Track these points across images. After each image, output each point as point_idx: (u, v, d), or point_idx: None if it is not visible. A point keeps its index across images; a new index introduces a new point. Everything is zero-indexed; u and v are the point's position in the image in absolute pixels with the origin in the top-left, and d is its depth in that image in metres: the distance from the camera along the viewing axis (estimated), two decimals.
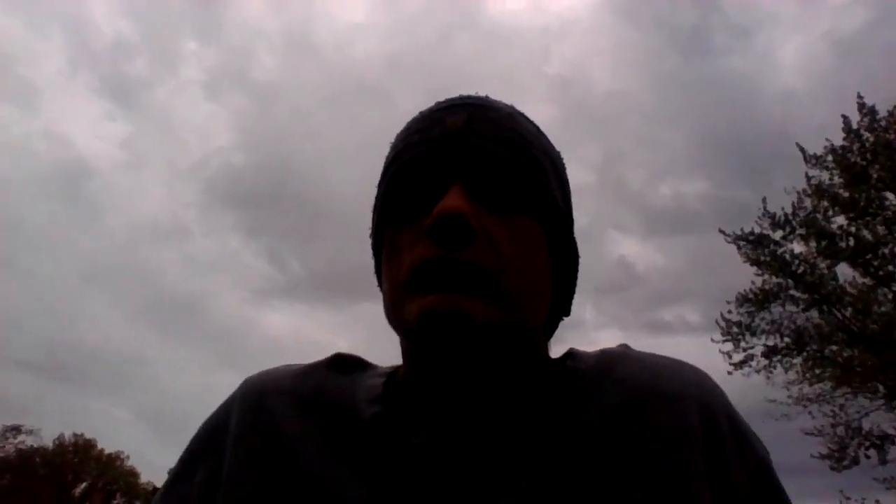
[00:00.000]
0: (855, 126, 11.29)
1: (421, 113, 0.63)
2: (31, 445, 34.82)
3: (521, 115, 0.63)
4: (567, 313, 0.66)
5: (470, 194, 0.54)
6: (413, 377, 0.60)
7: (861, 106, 11.28)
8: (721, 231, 12.73)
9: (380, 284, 0.63)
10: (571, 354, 0.63)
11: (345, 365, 0.66)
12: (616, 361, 0.60)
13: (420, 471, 0.54)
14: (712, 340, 12.63)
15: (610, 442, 0.53)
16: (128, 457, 39.39)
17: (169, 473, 0.66)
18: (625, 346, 0.65)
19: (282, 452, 0.58)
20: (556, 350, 0.66)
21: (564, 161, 0.65)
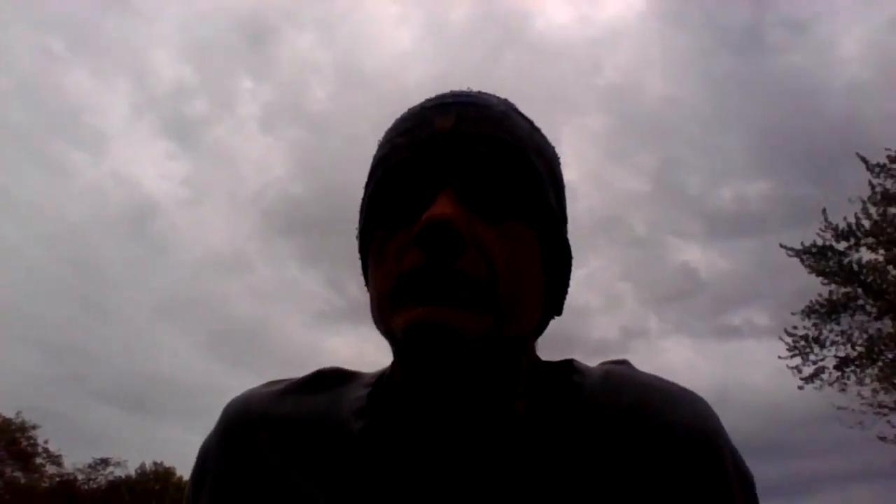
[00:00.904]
0: None
1: (409, 110, 0.61)
2: (119, 476, 36.55)
3: (515, 111, 0.61)
4: (559, 313, 0.64)
5: (460, 199, 0.53)
6: (404, 384, 0.59)
7: None
8: (782, 245, 12.64)
9: (367, 286, 0.62)
10: (575, 369, 0.62)
11: (325, 380, 0.66)
12: (621, 384, 0.60)
13: (412, 485, 0.54)
14: (779, 357, 12.49)
15: (610, 469, 0.54)
16: None
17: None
18: (627, 365, 0.65)
19: (266, 478, 0.58)
20: (542, 349, 0.65)
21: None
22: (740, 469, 0.59)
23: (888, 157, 11.39)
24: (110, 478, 35.87)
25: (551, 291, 0.61)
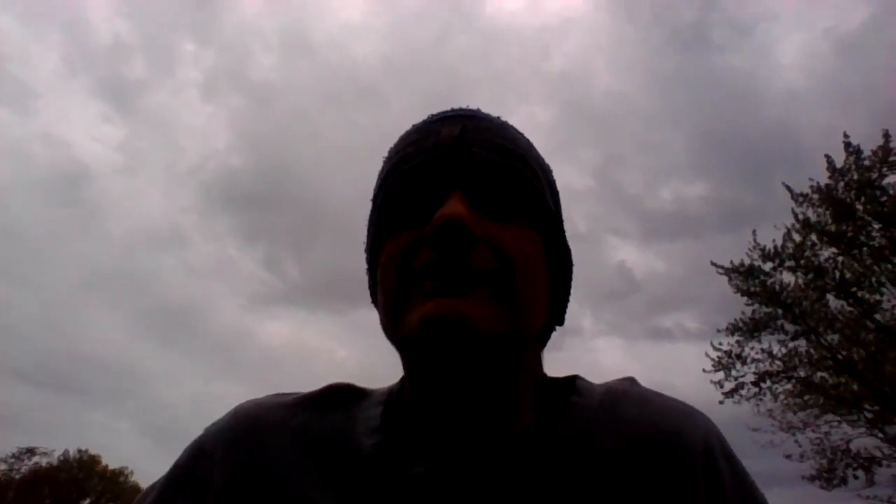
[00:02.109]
0: (839, 165, 11.85)
1: (414, 125, 0.64)
2: (40, 464, 35.10)
3: (512, 126, 0.64)
4: (561, 322, 0.66)
5: (469, 202, 0.55)
6: (414, 396, 0.60)
7: (847, 145, 11.84)
8: (713, 263, 13.28)
9: (374, 301, 0.62)
10: (577, 388, 0.63)
11: (339, 397, 0.66)
12: (620, 401, 0.61)
13: (422, 501, 0.54)
14: (704, 371, 13.12)
15: (609, 483, 0.54)
16: (132, 472, 39.59)
17: (152, 492, 0.64)
18: (630, 382, 0.66)
19: (278, 491, 0.58)
20: (550, 361, 0.66)
21: (554, 172, 0.67)
22: (740, 472, 0.60)
23: (810, 187, 12.14)
24: (34, 467, 34.39)
25: (554, 299, 0.63)
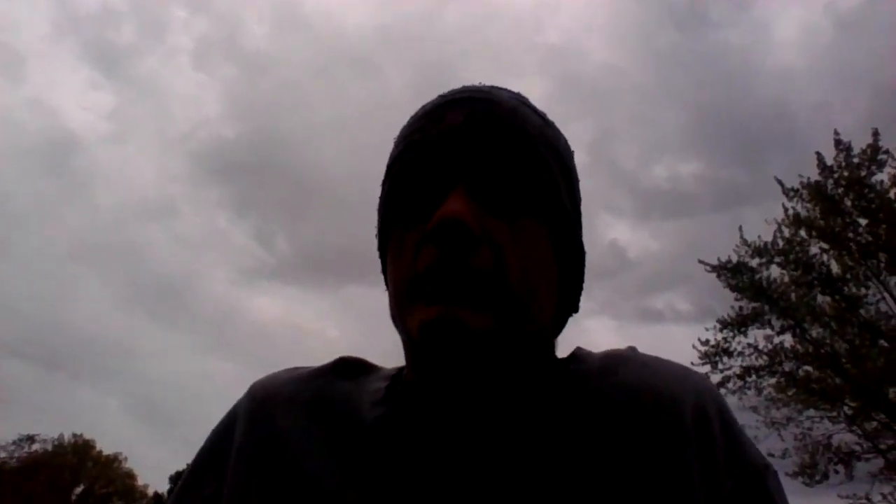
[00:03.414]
0: (829, 162, 11.97)
1: (423, 108, 0.62)
2: (42, 449, 35.27)
3: (528, 105, 0.61)
4: (576, 310, 0.65)
5: (472, 196, 0.54)
6: (417, 381, 0.61)
7: (837, 143, 11.96)
8: (700, 261, 13.43)
9: (387, 285, 0.62)
10: (576, 356, 0.63)
11: (349, 369, 0.67)
12: (619, 364, 0.61)
13: (422, 474, 0.55)
14: (692, 364, 13.25)
15: (609, 444, 0.54)
16: (125, 458, 39.81)
17: (179, 482, 0.67)
18: (632, 349, 0.65)
19: (284, 460, 0.59)
20: (563, 345, 0.66)
21: (573, 152, 0.65)
22: (734, 433, 0.59)
23: (800, 183, 12.26)
24: (32, 453, 34.57)
25: (565, 288, 0.62)
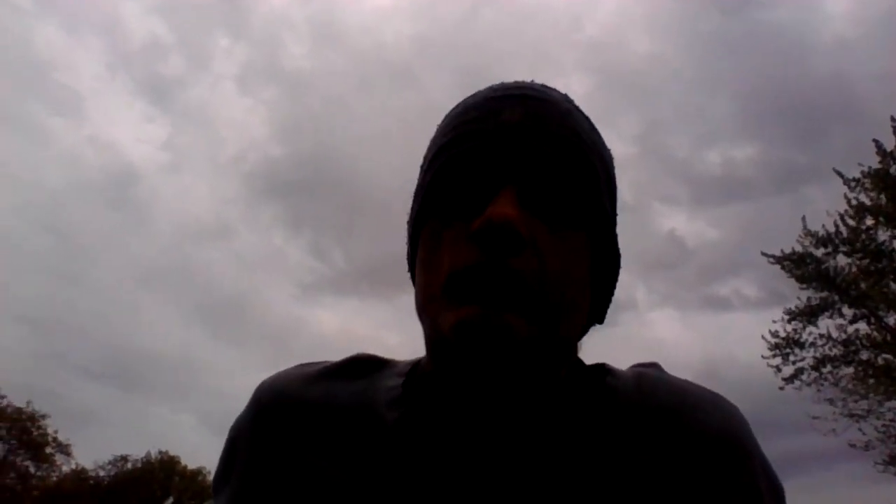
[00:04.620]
0: (889, 149, 11.73)
1: (473, 99, 0.60)
2: (133, 466, 37.28)
3: (578, 109, 0.61)
4: (601, 321, 0.64)
5: (521, 199, 0.53)
6: (438, 377, 0.59)
7: (895, 129, 11.71)
8: (763, 253, 13.34)
9: (411, 273, 0.61)
10: (609, 371, 0.62)
11: (361, 367, 0.65)
12: (655, 387, 0.60)
13: (446, 478, 0.54)
14: (762, 357, 13.18)
15: (640, 469, 0.54)
16: (209, 472, 41.34)
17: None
18: (657, 368, 0.65)
19: (296, 461, 0.58)
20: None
21: (614, 159, 0.64)
22: (770, 477, 0.59)
23: (861, 172, 12.04)
24: (124, 471, 36.62)
25: (596, 299, 0.61)
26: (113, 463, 36.01)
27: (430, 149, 0.61)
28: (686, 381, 0.63)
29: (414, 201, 0.61)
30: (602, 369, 0.63)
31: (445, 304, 0.53)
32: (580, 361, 0.63)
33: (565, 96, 0.61)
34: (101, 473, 35.14)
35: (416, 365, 0.64)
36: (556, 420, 0.57)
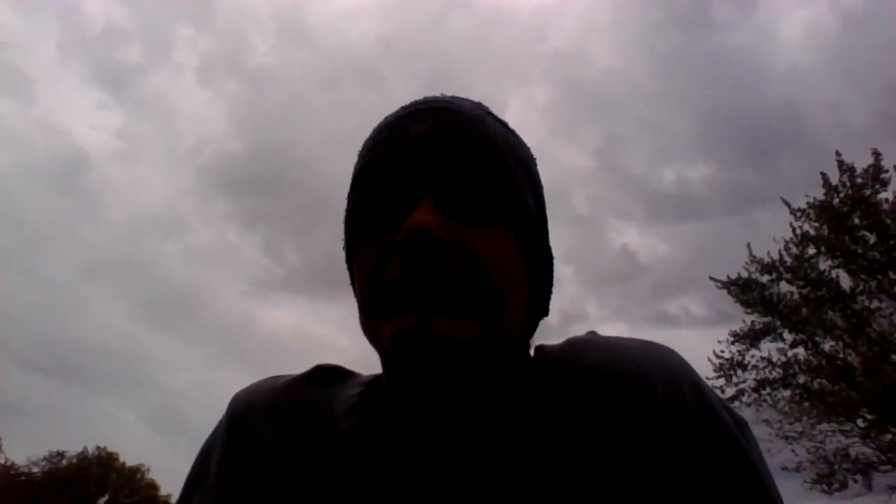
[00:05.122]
0: (834, 182, 12.18)
1: (386, 119, 0.62)
2: (68, 462, 35.98)
3: (490, 114, 0.62)
4: (546, 313, 0.65)
5: (440, 206, 0.54)
6: (391, 388, 0.60)
7: (840, 164, 12.17)
8: (711, 278, 13.69)
9: (356, 295, 0.62)
10: (537, 350, 0.62)
11: (325, 377, 0.67)
12: (582, 349, 0.60)
13: (396, 483, 0.55)
14: (707, 378, 13.46)
15: (582, 430, 0.54)
16: (148, 469, 40.38)
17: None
18: (592, 333, 0.65)
19: (261, 471, 0.60)
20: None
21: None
22: (728, 409, 0.59)
23: (807, 203, 12.48)
24: (59, 467, 35.33)
25: (535, 293, 0.62)
26: (48, 459, 34.62)
27: (353, 173, 0.63)
28: (617, 337, 0.63)
29: (344, 226, 0.63)
30: (536, 351, 0.63)
31: (381, 317, 0.55)
32: (528, 357, 0.63)
33: (477, 104, 0.63)
34: (35, 470, 33.70)
35: (376, 378, 0.66)
36: (501, 419, 0.57)
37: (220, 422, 0.68)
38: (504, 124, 0.63)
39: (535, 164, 0.65)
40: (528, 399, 0.58)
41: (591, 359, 0.59)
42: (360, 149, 0.63)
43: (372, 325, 0.57)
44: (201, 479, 0.66)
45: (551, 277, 0.65)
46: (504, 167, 0.58)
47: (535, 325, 0.66)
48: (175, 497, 0.69)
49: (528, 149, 0.65)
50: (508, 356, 0.59)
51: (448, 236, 0.53)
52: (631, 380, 0.56)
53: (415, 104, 0.62)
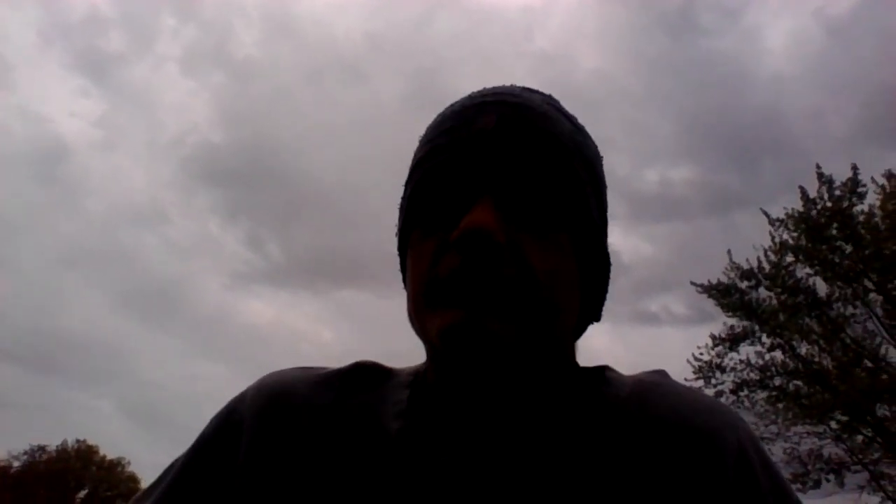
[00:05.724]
0: (812, 195, 12.65)
1: (451, 107, 0.61)
2: (47, 455, 35.65)
3: (559, 110, 0.60)
4: (597, 319, 0.65)
5: (499, 205, 0.53)
6: (439, 385, 0.60)
7: (820, 176, 12.63)
8: (692, 283, 14.12)
9: (405, 284, 0.62)
10: (607, 379, 0.62)
11: (366, 375, 0.66)
12: (650, 393, 0.60)
13: (446, 487, 0.54)
14: (685, 380, 13.93)
15: (642, 475, 0.53)
16: (128, 462, 40.17)
17: (173, 466, 0.66)
18: (662, 375, 0.64)
19: (302, 468, 0.59)
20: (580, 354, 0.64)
21: (602, 158, 0.64)
22: (776, 481, 0.58)
23: (785, 213, 12.94)
24: (37, 460, 35.02)
25: (588, 297, 0.61)
26: (29, 453, 34.30)
27: (412, 160, 0.62)
28: (688, 388, 0.63)
29: (399, 214, 0.63)
30: (601, 375, 0.63)
31: (431, 311, 0.55)
32: (576, 364, 0.64)
33: (547, 98, 0.62)
34: (16, 464, 33.39)
35: (417, 373, 0.65)
36: (551, 425, 0.57)
37: (247, 400, 0.65)
38: (572, 120, 0.62)
39: (601, 164, 0.64)
40: (586, 423, 0.57)
41: (662, 408, 0.58)
42: (421, 135, 0.62)
43: (421, 318, 0.57)
44: (218, 450, 0.64)
45: (607, 284, 0.64)
46: (569, 169, 0.57)
47: (584, 329, 0.65)
48: None
49: (595, 147, 0.64)
50: (554, 360, 0.59)
51: (504, 240, 0.52)
52: (703, 434, 0.56)
53: (482, 94, 0.60)
